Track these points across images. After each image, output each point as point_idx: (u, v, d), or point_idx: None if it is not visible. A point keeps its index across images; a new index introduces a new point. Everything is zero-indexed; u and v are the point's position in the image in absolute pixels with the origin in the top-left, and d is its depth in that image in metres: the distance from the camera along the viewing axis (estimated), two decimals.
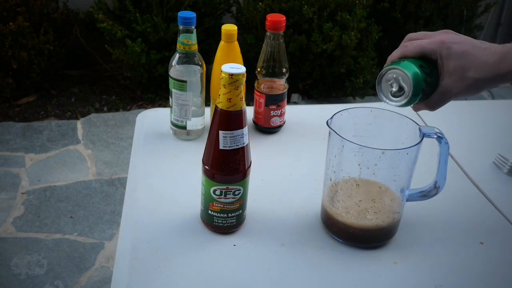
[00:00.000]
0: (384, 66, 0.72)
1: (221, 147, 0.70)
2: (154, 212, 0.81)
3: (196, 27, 0.93)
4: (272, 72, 0.99)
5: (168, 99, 0.98)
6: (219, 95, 0.70)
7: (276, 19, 0.95)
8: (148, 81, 2.83)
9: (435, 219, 0.82)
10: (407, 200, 0.76)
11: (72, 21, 2.85)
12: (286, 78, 1.01)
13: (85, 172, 2.23)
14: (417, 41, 0.70)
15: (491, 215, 0.85)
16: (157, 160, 0.94)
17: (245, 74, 0.69)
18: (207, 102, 1.01)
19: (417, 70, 0.67)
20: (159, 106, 2.77)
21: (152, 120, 1.07)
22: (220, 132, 0.70)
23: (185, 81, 0.94)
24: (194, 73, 0.95)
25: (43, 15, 2.71)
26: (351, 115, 0.75)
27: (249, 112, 1.05)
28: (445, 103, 0.71)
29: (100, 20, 2.61)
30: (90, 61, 3.00)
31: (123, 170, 2.25)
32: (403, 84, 0.68)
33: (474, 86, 0.67)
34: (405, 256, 0.75)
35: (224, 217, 0.75)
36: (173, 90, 0.95)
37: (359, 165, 0.71)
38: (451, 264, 0.74)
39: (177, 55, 0.95)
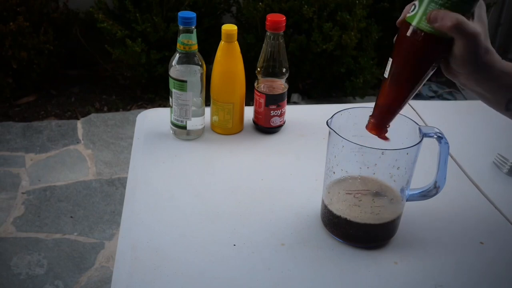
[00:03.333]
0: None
1: None
2: (154, 212, 0.81)
3: (196, 27, 0.93)
4: (272, 72, 0.99)
5: (168, 99, 0.98)
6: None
7: (276, 19, 0.95)
8: (148, 81, 2.83)
9: (435, 219, 0.82)
10: (407, 200, 0.76)
11: (72, 21, 2.85)
12: (286, 78, 1.01)
13: (85, 172, 2.23)
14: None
15: (491, 215, 0.85)
16: (157, 160, 0.94)
17: None
18: (207, 102, 1.01)
19: None
20: (159, 106, 2.76)
21: (152, 120, 1.07)
22: None
23: (185, 81, 0.94)
24: (194, 73, 0.95)
25: (43, 15, 2.71)
26: (351, 115, 0.75)
27: (249, 112, 1.05)
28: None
29: (100, 20, 2.61)
30: (90, 61, 3.00)
31: (123, 170, 2.25)
32: None
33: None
34: (405, 256, 0.75)
35: None
36: (173, 90, 0.95)
37: (360, 167, 0.71)
38: (451, 264, 0.74)
39: (177, 55, 0.95)
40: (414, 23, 0.63)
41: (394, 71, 0.66)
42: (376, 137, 0.71)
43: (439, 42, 0.63)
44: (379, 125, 0.69)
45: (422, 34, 0.63)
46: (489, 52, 0.63)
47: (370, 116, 0.69)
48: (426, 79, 0.67)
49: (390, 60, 0.67)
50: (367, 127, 0.69)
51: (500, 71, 0.63)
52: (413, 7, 0.64)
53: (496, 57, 0.64)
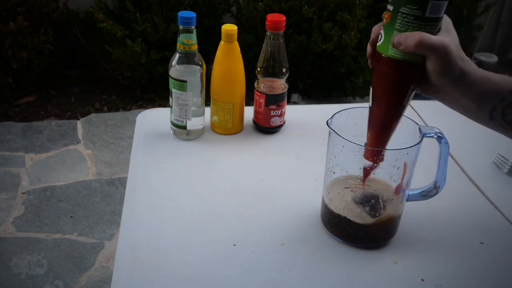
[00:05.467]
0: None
1: None
2: (154, 212, 0.81)
3: (196, 27, 0.93)
4: (272, 72, 0.99)
5: (168, 99, 0.98)
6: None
7: (276, 19, 0.95)
8: (148, 81, 2.83)
9: (435, 219, 0.82)
10: (407, 200, 0.76)
11: (72, 21, 2.85)
12: (286, 78, 1.01)
13: (85, 172, 2.23)
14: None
15: (491, 215, 0.85)
16: (157, 160, 0.94)
17: None
18: (207, 102, 1.01)
19: None
20: (159, 106, 2.77)
21: (152, 120, 1.07)
22: None
23: (185, 81, 0.94)
24: (194, 73, 0.95)
25: (43, 15, 2.71)
26: (351, 115, 0.75)
27: (249, 112, 1.05)
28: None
29: (100, 20, 2.61)
30: (90, 61, 3.01)
31: (123, 170, 2.25)
32: None
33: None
34: (405, 256, 0.75)
35: None
36: (173, 90, 0.95)
37: (360, 167, 0.71)
38: (451, 264, 0.74)
39: (177, 55, 0.95)
40: (383, 53, 0.63)
41: (375, 100, 0.67)
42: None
43: (412, 66, 0.63)
44: (375, 151, 0.69)
45: (394, 62, 0.63)
46: (465, 60, 0.62)
47: (365, 143, 0.70)
48: (409, 102, 0.67)
49: (371, 89, 0.67)
50: (364, 155, 0.70)
51: (481, 78, 0.63)
52: (379, 35, 0.64)
53: (473, 65, 0.63)
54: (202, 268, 0.71)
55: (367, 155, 0.70)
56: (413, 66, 0.63)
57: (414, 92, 0.66)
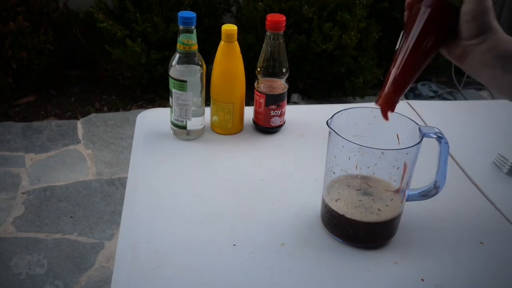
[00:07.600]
0: None
1: None
2: (154, 212, 0.81)
3: (196, 27, 0.93)
4: (272, 72, 0.99)
5: (168, 99, 0.98)
6: None
7: (276, 19, 0.95)
8: (148, 81, 2.83)
9: (435, 219, 0.82)
10: (407, 200, 0.76)
11: (72, 21, 2.85)
12: (286, 78, 1.01)
13: (85, 172, 2.23)
14: None
15: (491, 215, 0.85)
16: (157, 160, 0.94)
17: None
18: (207, 102, 1.01)
19: None
20: (159, 106, 2.77)
21: (152, 120, 1.07)
22: None
23: (185, 81, 0.94)
24: (194, 73, 0.95)
25: (43, 15, 2.71)
26: (351, 115, 0.75)
27: (249, 112, 1.05)
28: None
29: (100, 20, 2.61)
30: (90, 61, 3.00)
31: (123, 170, 2.25)
32: None
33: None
34: (405, 256, 0.75)
35: None
36: (173, 90, 0.95)
37: (360, 167, 0.71)
38: (451, 264, 0.74)
39: (177, 55, 0.95)
40: None
41: (404, 41, 0.67)
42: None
43: (449, 7, 0.64)
44: (392, 98, 0.68)
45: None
46: (495, 21, 0.63)
47: (381, 91, 0.69)
48: (432, 55, 0.67)
49: (402, 32, 0.68)
50: (377, 101, 0.69)
51: (508, 38, 0.63)
52: None
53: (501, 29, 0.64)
54: (202, 268, 0.71)
55: (383, 101, 0.69)
56: (450, 7, 0.64)
57: (439, 47, 0.67)
